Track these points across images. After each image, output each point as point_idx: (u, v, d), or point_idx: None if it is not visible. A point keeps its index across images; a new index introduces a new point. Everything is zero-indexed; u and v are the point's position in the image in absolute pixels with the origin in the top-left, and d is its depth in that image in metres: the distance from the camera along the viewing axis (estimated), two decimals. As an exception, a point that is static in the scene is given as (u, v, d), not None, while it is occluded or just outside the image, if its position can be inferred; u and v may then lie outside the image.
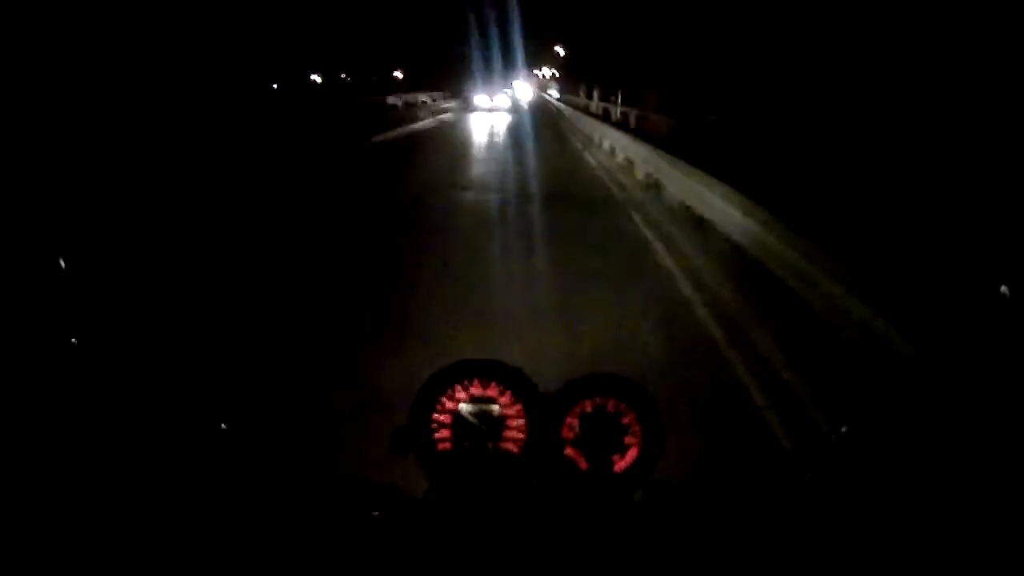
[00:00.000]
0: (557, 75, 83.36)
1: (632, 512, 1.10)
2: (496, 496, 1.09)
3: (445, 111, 36.17)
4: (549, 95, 65.46)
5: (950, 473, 0.96)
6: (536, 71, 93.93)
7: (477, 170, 15.08)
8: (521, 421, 1.16)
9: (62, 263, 1.05)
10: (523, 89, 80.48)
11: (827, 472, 1.03)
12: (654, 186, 10.97)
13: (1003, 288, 2.24)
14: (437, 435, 1.16)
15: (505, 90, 47.69)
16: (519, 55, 71.97)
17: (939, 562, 0.91)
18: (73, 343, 0.95)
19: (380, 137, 20.92)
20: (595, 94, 34.07)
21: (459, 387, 1.17)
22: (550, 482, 1.13)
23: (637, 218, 9.43)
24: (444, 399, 1.17)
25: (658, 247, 7.71)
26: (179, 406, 1.00)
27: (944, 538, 0.91)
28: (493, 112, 39.03)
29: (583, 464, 1.15)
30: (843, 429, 1.05)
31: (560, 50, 68.10)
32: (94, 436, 0.95)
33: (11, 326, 0.94)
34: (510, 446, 1.15)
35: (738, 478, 1.08)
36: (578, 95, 41.92)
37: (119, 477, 0.93)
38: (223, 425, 1.00)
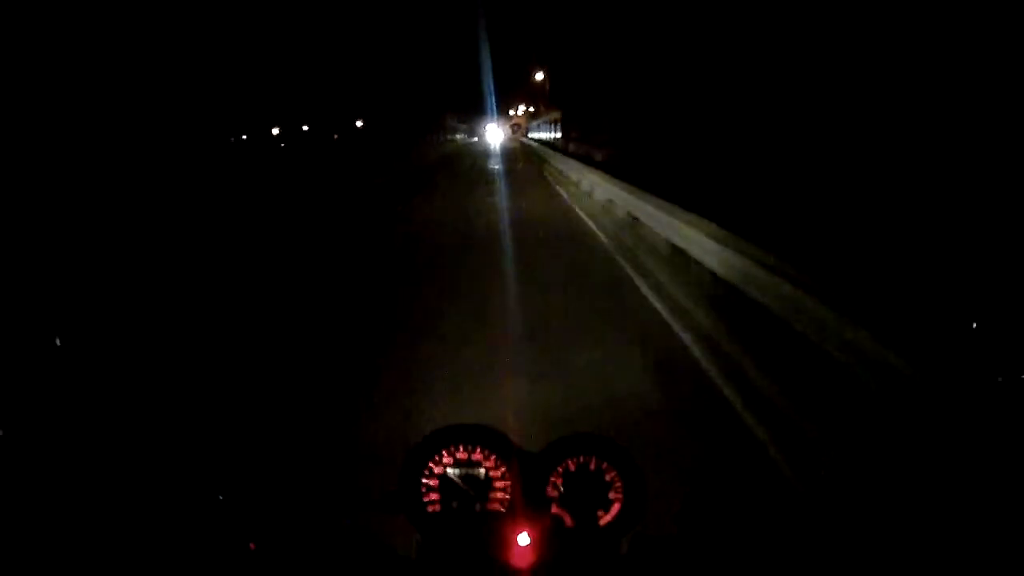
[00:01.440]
0: (533, 111, 66.45)
1: (619, 565, 1.18)
2: (485, 554, 1.16)
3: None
4: (529, 140, 52.57)
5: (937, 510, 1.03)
6: (511, 111, 79.10)
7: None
8: (507, 482, 1.24)
9: (57, 341, 1.13)
10: (495, 134, 68.34)
11: (810, 515, 1.12)
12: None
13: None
14: (427, 498, 1.24)
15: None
16: (490, 93, 61.94)
17: None
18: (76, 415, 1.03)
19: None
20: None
21: (445, 452, 1.26)
22: (537, 540, 1.21)
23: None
24: (432, 464, 1.25)
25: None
26: (177, 477, 1.08)
27: None
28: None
29: (569, 521, 1.22)
30: (823, 472, 1.14)
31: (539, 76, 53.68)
32: (92, 502, 1.02)
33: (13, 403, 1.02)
34: (497, 506, 1.24)
35: (721, 525, 1.17)
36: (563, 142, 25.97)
37: (118, 545, 1.00)
38: (220, 496, 1.08)
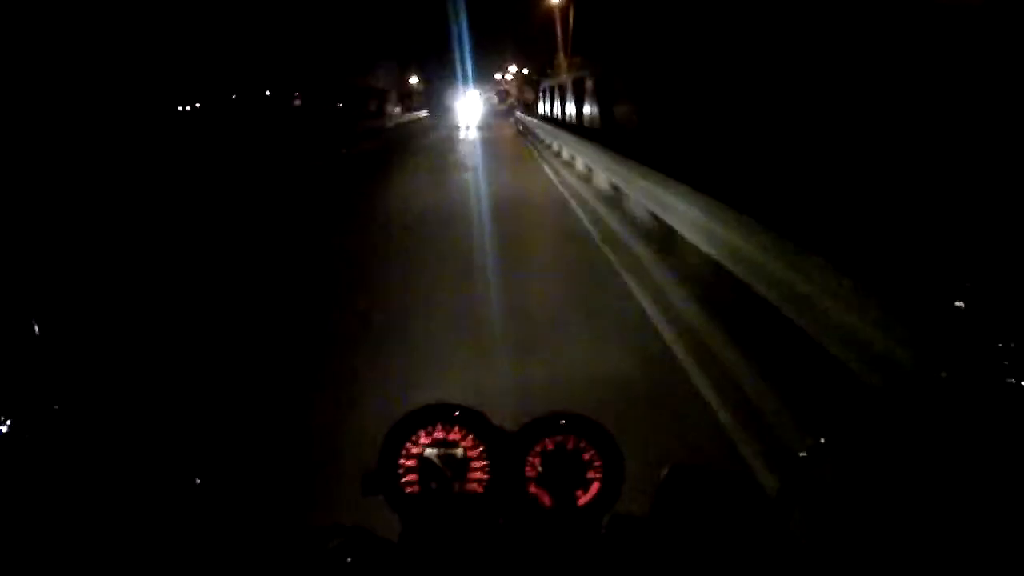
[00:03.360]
0: (528, 76, 47.68)
1: (597, 544, 1.23)
2: (464, 535, 1.21)
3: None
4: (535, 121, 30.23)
5: (927, 486, 1.07)
6: (498, 74, 60.32)
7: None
8: (484, 462, 1.29)
9: (36, 328, 1.17)
10: (471, 104, 50.02)
11: (797, 491, 1.17)
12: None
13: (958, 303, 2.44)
14: (404, 479, 1.29)
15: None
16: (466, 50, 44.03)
17: None
18: (54, 407, 1.08)
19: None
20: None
21: (423, 432, 1.31)
22: (516, 519, 1.27)
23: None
24: (409, 444, 1.30)
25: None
26: (155, 460, 1.13)
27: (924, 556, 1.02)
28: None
29: (547, 501, 1.28)
30: (809, 446, 1.19)
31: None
32: (71, 491, 1.07)
33: None
34: (475, 487, 1.29)
35: (701, 502, 1.22)
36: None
37: (95, 531, 1.05)
38: (197, 480, 1.13)
